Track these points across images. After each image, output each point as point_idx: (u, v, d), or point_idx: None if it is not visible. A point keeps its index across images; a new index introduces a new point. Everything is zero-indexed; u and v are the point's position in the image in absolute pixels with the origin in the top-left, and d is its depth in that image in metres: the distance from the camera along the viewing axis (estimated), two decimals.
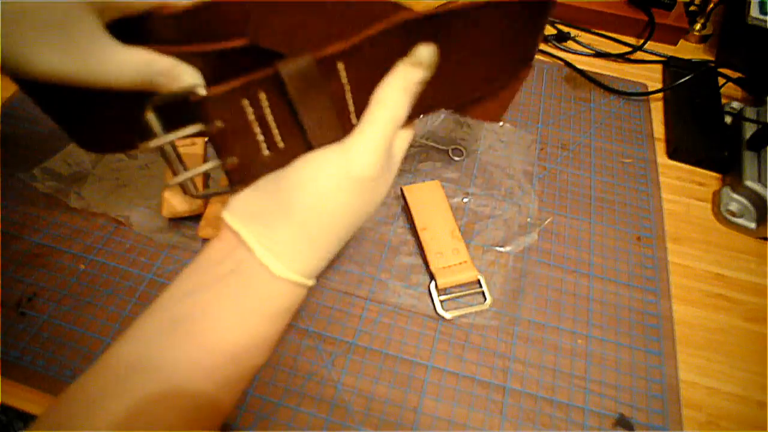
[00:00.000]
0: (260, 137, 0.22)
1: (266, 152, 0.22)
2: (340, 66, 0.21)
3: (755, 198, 0.42)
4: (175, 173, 0.23)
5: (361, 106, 0.23)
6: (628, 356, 0.34)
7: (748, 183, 0.42)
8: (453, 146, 0.46)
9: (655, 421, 0.31)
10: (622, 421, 0.31)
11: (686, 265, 0.40)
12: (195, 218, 0.38)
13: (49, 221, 0.38)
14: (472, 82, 0.26)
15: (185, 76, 0.21)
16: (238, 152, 0.22)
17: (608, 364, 0.34)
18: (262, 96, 0.21)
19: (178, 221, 0.39)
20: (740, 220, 0.42)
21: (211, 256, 0.22)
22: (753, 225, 0.41)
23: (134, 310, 0.34)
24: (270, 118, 0.21)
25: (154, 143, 0.22)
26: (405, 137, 0.25)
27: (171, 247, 0.37)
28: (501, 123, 0.48)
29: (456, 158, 0.45)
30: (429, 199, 0.39)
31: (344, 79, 0.21)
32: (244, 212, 0.22)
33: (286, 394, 0.31)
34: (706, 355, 0.35)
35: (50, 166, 0.41)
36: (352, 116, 0.23)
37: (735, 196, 0.43)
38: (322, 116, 0.22)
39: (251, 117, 0.21)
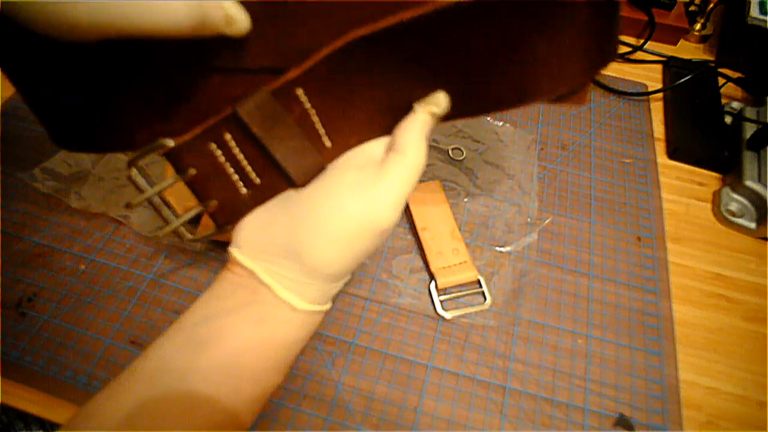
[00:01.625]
0: (235, 177, 0.22)
1: (244, 190, 0.22)
2: (299, 92, 0.21)
3: (755, 198, 0.42)
4: (166, 221, 0.23)
5: (334, 125, 0.22)
6: (628, 356, 0.34)
7: (748, 183, 0.42)
8: (453, 146, 0.46)
9: (655, 421, 0.31)
10: (622, 421, 0.31)
11: (686, 265, 0.40)
12: (195, 219, 0.38)
13: (49, 221, 0.38)
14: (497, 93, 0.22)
15: (233, 11, 0.18)
16: (215, 195, 0.22)
17: (608, 364, 0.34)
18: (228, 137, 0.21)
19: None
20: (740, 220, 0.42)
21: (227, 287, 0.22)
22: (753, 225, 0.41)
23: (134, 311, 0.34)
24: (240, 156, 0.21)
25: (140, 198, 0.22)
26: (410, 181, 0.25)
27: (171, 247, 0.37)
28: (501, 123, 0.48)
29: (456, 158, 0.45)
30: (429, 199, 0.39)
31: (307, 104, 0.21)
32: (255, 247, 0.22)
33: (286, 394, 0.31)
34: (706, 355, 0.35)
35: (50, 166, 0.41)
36: (325, 138, 0.22)
37: (735, 196, 0.43)
38: (292, 146, 0.21)
39: (221, 159, 0.21)
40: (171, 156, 0.21)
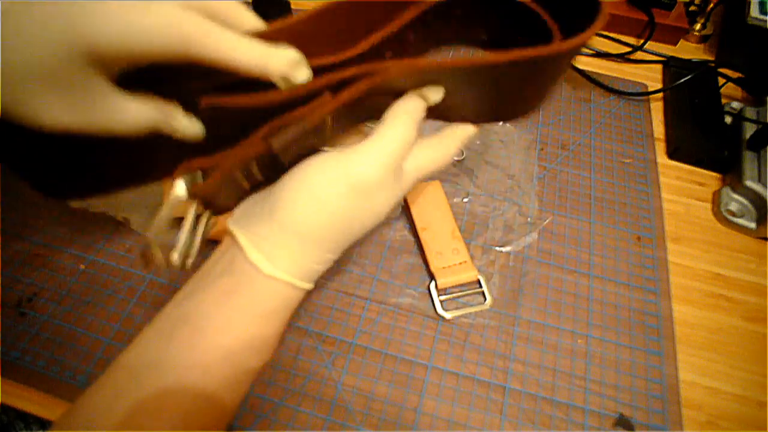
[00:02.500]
0: (243, 181, 0.22)
1: (246, 185, 0.23)
2: (328, 119, 0.21)
3: (755, 198, 0.42)
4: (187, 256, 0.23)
5: (341, 122, 0.23)
6: (628, 356, 0.34)
7: (748, 183, 0.42)
8: None
9: (655, 421, 0.31)
10: (622, 421, 0.31)
11: (686, 265, 0.40)
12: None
13: (49, 221, 0.38)
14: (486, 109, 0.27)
15: (184, 125, 0.22)
16: (222, 197, 0.23)
17: (608, 364, 0.34)
18: (253, 164, 0.22)
19: (178, 221, 0.39)
20: (740, 220, 0.42)
21: (210, 259, 0.23)
22: (753, 225, 0.41)
23: (134, 311, 0.34)
24: (255, 170, 0.22)
25: (174, 258, 0.22)
26: (427, 159, 0.25)
27: (171, 247, 0.37)
28: (501, 123, 0.48)
29: (456, 158, 0.45)
30: (429, 199, 0.39)
31: (329, 124, 0.22)
32: (242, 215, 0.23)
33: (286, 394, 0.31)
34: (706, 355, 0.35)
35: None
36: (329, 131, 0.23)
37: (735, 196, 0.43)
38: (302, 152, 0.22)
39: (238, 176, 0.22)
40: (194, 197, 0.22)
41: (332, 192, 0.21)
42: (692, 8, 0.61)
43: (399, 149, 0.22)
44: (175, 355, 0.20)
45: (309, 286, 0.23)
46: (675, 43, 0.59)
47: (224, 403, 0.21)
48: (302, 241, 0.21)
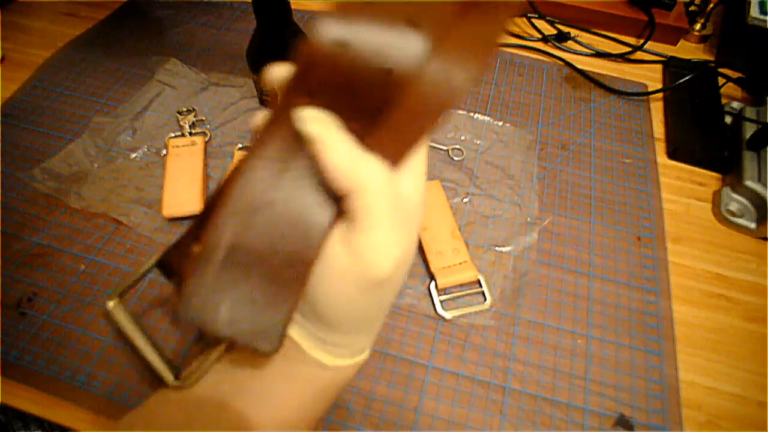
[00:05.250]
0: None
1: None
2: None
3: (755, 198, 0.42)
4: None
5: None
6: (628, 356, 0.34)
7: (748, 183, 0.42)
8: (453, 146, 0.46)
9: (655, 421, 0.31)
10: (622, 421, 0.31)
11: (686, 265, 0.40)
12: (190, 219, 0.38)
13: (49, 221, 0.38)
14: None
15: None
16: None
17: (608, 364, 0.34)
18: None
19: (178, 221, 0.39)
20: (740, 220, 0.42)
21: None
22: (753, 225, 0.41)
23: (134, 311, 0.34)
24: None
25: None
26: (414, 187, 0.19)
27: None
28: (501, 123, 0.48)
29: (456, 158, 0.45)
30: (429, 199, 0.39)
31: None
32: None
33: None
34: (706, 355, 0.35)
35: (50, 166, 0.41)
36: None
37: (735, 196, 0.43)
38: None
39: None
40: None
41: (360, 296, 0.18)
42: (692, 8, 0.61)
43: (389, 216, 0.17)
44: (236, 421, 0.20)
45: (365, 356, 0.22)
46: (675, 43, 0.59)
47: None
48: (352, 334, 0.20)
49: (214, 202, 0.19)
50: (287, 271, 0.18)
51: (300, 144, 0.17)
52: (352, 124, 0.17)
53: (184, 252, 0.21)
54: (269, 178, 0.17)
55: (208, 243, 0.17)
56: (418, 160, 0.19)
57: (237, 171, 0.17)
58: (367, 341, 0.22)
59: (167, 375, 0.22)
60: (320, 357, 0.20)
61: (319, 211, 0.17)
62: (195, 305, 0.18)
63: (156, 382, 0.21)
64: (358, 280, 0.18)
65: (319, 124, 0.16)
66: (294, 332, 0.20)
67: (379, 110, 0.16)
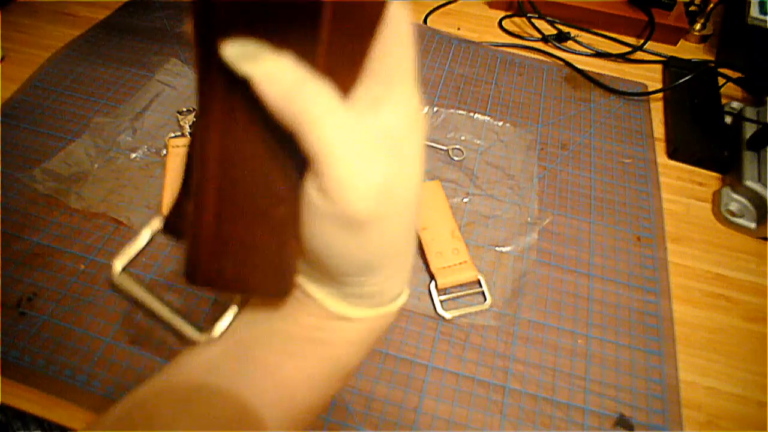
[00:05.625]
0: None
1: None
2: None
3: (755, 198, 0.42)
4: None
5: None
6: (628, 356, 0.34)
7: (748, 183, 0.42)
8: (453, 146, 0.46)
9: (655, 421, 0.31)
10: (622, 421, 0.31)
11: (686, 265, 0.40)
12: None
13: (49, 221, 0.38)
14: None
15: None
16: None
17: (608, 364, 0.34)
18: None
19: None
20: (740, 220, 0.42)
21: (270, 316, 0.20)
22: (753, 225, 0.41)
23: (134, 310, 0.34)
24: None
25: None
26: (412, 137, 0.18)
27: (171, 247, 0.37)
28: (501, 123, 0.48)
29: (456, 158, 0.45)
30: (429, 199, 0.39)
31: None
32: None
33: None
34: (706, 355, 0.35)
35: (50, 166, 0.41)
36: None
37: (735, 196, 0.43)
38: None
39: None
40: None
41: (347, 240, 0.17)
42: (692, 8, 0.61)
43: (363, 134, 0.16)
44: (246, 384, 0.19)
45: (401, 302, 0.20)
46: (675, 43, 0.59)
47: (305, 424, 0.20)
48: (364, 280, 0.18)
49: (190, 165, 0.18)
50: (278, 209, 0.17)
51: (240, 87, 0.14)
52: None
53: (182, 213, 0.19)
54: (234, 136, 0.16)
55: (198, 204, 0.16)
56: (401, 86, 0.16)
57: (199, 140, 0.16)
58: (395, 284, 0.19)
59: (191, 331, 0.20)
60: (342, 311, 0.19)
61: (290, 145, 0.16)
62: (199, 265, 0.17)
63: (181, 343, 0.20)
64: (338, 222, 0.16)
65: (247, 60, 0.14)
66: (310, 288, 0.19)
67: (307, 31, 0.14)
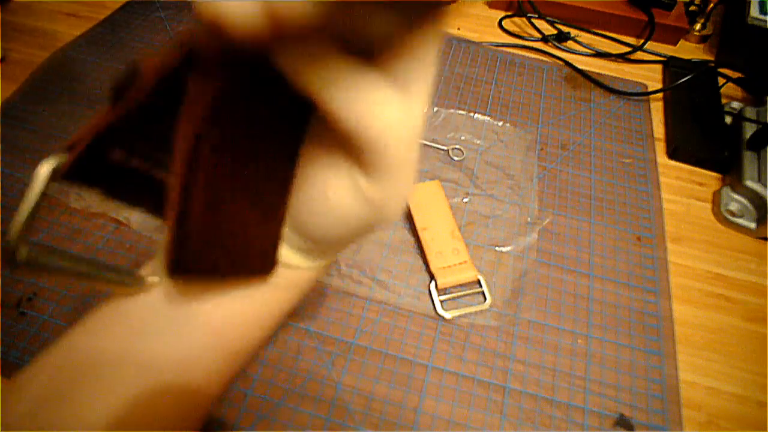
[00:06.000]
0: None
1: None
2: None
3: (755, 198, 0.42)
4: None
5: None
6: (628, 356, 0.34)
7: (748, 183, 0.42)
8: (453, 146, 0.46)
9: (655, 421, 0.31)
10: (622, 421, 0.31)
11: (686, 265, 0.40)
12: None
13: (49, 221, 0.38)
14: None
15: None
16: None
17: (608, 364, 0.34)
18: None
19: None
20: (740, 220, 0.42)
21: None
22: (753, 225, 0.41)
23: None
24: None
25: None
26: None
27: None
28: (501, 123, 0.48)
29: (456, 158, 0.45)
30: (429, 199, 0.39)
31: None
32: None
33: (286, 394, 0.31)
34: (706, 355, 0.35)
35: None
36: None
37: (735, 196, 0.43)
38: None
39: None
40: None
41: (353, 211, 0.17)
42: (692, 8, 0.61)
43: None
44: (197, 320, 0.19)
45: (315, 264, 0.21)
46: (675, 43, 0.59)
47: (240, 363, 0.20)
48: (321, 248, 0.19)
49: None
50: (268, 185, 0.17)
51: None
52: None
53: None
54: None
55: (184, 192, 0.15)
56: (422, 79, 0.15)
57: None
58: (336, 255, 0.21)
59: (131, 279, 0.19)
60: (298, 262, 0.19)
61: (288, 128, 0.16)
62: (187, 255, 0.16)
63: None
64: (366, 224, 0.17)
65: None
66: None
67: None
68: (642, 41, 0.58)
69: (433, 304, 0.35)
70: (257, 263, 0.18)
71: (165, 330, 0.19)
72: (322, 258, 0.20)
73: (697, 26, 0.59)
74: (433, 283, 0.36)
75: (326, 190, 0.16)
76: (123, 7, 0.59)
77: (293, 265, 0.20)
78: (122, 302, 0.20)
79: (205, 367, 0.19)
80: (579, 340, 0.35)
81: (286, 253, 0.19)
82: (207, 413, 0.21)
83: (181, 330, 0.19)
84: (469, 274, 0.36)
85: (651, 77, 0.55)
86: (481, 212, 0.41)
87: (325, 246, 0.19)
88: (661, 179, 0.45)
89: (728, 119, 0.49)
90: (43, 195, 0.15)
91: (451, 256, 0.37)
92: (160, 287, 0.20)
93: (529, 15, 0.61)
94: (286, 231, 0.19)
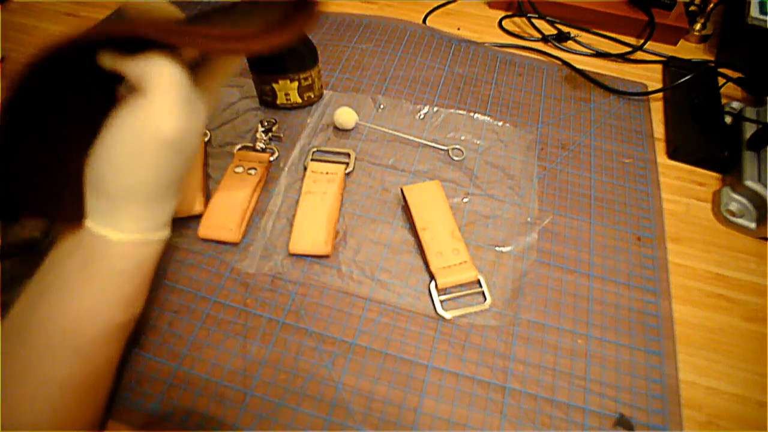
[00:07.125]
0: None
1: None
2: None
3: (755, 198, 0.42)
4: None
5: None
6: (628, 356, 0.34)
7: (748, 183, 0.42)
8: (453, 146, 0.46)
9: (655, 421, 0.31)
10: (622, 421, 0.31)
11: (686, 265, 0.40)
12: (195, 218, 0.38)
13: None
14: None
15: None
16: None
17: (608, 364, 0.34)
18: None
19: (178, 221, 0.39)
20: (740, 220, 0.42)
21: (60, 240, 0.25)
22: (753, 225, 0.41)
23: None
24: None
25: None
26: (210, 76, 0.27)
27: (171, 247, 0.37)
28: (501, 123, 0.48)
29: (456, 158, 0.45)
30: (429, 199, 0.39)
31: None
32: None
33: (286, 394, 0.31)
34: (706, 355, 0.35)
35: None
36: None
37: (735, 196, 0.43)
38: None
39: None
40: None
41: (149, 154, 0.22)
42: (692, 8, 0.61)
43: (180, 92, 0.22)
44: (43, 319, 0.22)
45: (163, 234, 0.25)
46: (675, 43, 0.60)
47: (99, 359, 0.23)
48: (139, 202, 0.23)
49: None
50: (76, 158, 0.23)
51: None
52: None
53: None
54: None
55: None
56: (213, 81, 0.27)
57: None
58: (158, 215, 0.24)
59: None
60: (104, 232, 0.23)
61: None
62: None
63: None
64: (150, 138, 0.22)
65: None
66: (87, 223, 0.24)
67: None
68: (642, 41, 0.58)
69: (433, 304, 0.35)
70: (75, 209, 0.24)
71: (49, 305, 0.24)
72: (138, 225, 0.23)
73: (697, 26, 0.59)
74: (433, 283, 0.36)
75: (122, 136, 0.22)
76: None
77: (109, 239, 0.23)
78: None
79: (91, 334, 0.23)
80: (579, 340, 0.35)
81: (99, 228, 0.23)
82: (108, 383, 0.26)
83: (63, 306, 0.23)
84: (469, 274, 0.36)
85: (651, 77, 0.55)
86: (481, 212, 0.41)
87: (128, 197, 0.23)
88: (661, 179, 0.45)
89: (728, 119, 0.49)
90: None
91: (451, 256, 0.37)
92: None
93: (529, 15, 0.61)
94: (93, 201, 0.23)
